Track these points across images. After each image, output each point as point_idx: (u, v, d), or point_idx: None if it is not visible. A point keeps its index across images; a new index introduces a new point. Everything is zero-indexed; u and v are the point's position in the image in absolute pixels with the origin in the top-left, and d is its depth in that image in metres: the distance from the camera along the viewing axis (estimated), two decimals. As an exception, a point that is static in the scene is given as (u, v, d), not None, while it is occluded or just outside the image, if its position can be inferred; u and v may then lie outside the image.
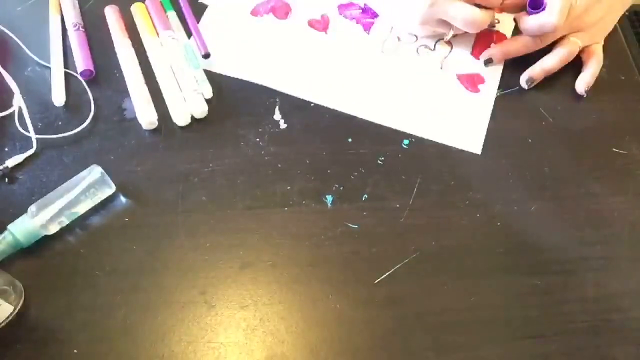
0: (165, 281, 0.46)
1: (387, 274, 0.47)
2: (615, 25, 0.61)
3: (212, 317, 0.45)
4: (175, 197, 0.50)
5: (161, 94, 0.55)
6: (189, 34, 0.59)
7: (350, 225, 0.49)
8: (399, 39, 0.60)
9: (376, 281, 0.47)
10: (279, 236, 0.49)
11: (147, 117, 0.53)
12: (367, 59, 0.59)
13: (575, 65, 0.59)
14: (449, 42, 0.59)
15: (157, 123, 0.53)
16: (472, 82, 0.58)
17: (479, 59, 0.59)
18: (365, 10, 0.62)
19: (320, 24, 0.61)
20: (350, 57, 0.59)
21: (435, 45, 0.59)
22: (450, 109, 0.56)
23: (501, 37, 0.61)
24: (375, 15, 0.62)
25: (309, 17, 0.61)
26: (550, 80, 0.58)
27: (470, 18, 0.52)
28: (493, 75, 0.59)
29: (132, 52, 0.57)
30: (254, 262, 0.47)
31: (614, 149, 0.54)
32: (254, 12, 0.61)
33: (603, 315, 0.46)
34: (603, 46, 0.59)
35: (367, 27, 0.61)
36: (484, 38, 0.61)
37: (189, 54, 0.57)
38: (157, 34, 0.58)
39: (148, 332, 0.44)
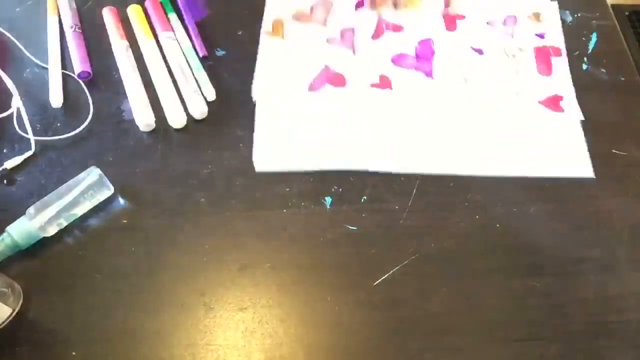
0: (164, 283, 0.46)
1: (386, 276, 0.47)
2: (615, 25, 0.61)
3: (211, 320, 0.45)
4: (174, 198, 0.50)
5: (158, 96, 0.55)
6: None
7: (349, 227, 0.49)
8: (465, 80, 0.57)
9: (375, 283, 0.47)
10: (277, 238, 0.48)
11: (144, 119, 0.53)
12: (435, 108, 0.56)
13: (573, 66, 0.59)
14: (510, 65, 0.58)
15: (154, 125, 0.53)
16: (553, 102, 0.56)
17: (546, 75, 0.58)
18: (419, 56, 0.59)
19: (383, 84, 0.57)
20: (417, 109, 0.55)
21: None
22: (544, 137, 0.54)
23: (557, 50, 0.60)
24: (429, 55, 0.59)
25: (369, 81, 0.58)
26: (550, 81, 0.58)
27: None
28: (569, 92, 0.57)
29: (129, 54, 0.57)
30: (252, 264, 0.47)
31: (614, 150, 0.54)
32: (312, 88, 0.57)
33: (602, 317, 0.46)
34: (603, 46, 0.59)
35: (428, 73, 0.58)
36: (541, 53, 0.60)
37: (192, 56, 0.56)
38: (155, 35, 0.58)
39: (147, 334, 0.44)
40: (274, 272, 0.47)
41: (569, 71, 0.59)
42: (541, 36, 0.61)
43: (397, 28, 0.61)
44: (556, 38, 0.61)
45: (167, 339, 0.44)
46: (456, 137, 0.54)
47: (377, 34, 0.61)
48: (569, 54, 0.60)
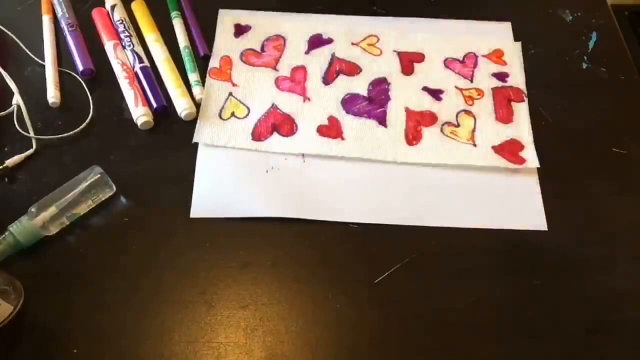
0: (165, 281, 0.46)
1: (387, 273, 0.47)
2: (615, 25, 0.61)
3: (212, 317, 0.45)
4: (176, 197, 0.50)
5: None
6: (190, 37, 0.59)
7: (351, 224, 0.49)
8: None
9: (376, 281, 0.47)
10: (279, 236, 0.49)
11: (143, 117, 0.52)
12: (387, 158, 0.52)
13: (573, 65, 0.59)
14: (469, 113, 0.55)
15: (152, 123, 0.53)
16: (511, 151, 0.53)
17: (506, 123, 0.55)
18: (371, 99, 0.56)
19: (332, 130, 0.54)
20: (368, 159, 0.52)
21: (457, 120, 0.55)
22: (500, 189, 0.51)
23: (517, 92, 0.57)
24: (383, 102, 0.55)
25: (319, 129, 0.54)
26: (549, 81, 0.58)
27: None
28: (529, 141, 0.54)
29: (118, 52, 0.56)
30: (253, 261, 0.47)
31: (614, 149, 0.54)
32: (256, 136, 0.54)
33: (603, 315, 0.46)
34: (602, 45, 0.59)
35: (381, 119, 0.55)
36: (501, 96, 0.57)
37: (187, 57, 0.57)
38: (155, 31, 0.58)
39: (148, 332, 0.44)
40: (275, 270, 0.47)
41: (529, 119, 0.55)
42: (502, 78, 0.58)
43: (352, 68, 0.57)
44: (521, 82, 0.58)
45: (168, 337, 0.44)
46: (408, 189, 0.51)
47: (329, 76, 0.57)
48: (568, 53, 0.61)
